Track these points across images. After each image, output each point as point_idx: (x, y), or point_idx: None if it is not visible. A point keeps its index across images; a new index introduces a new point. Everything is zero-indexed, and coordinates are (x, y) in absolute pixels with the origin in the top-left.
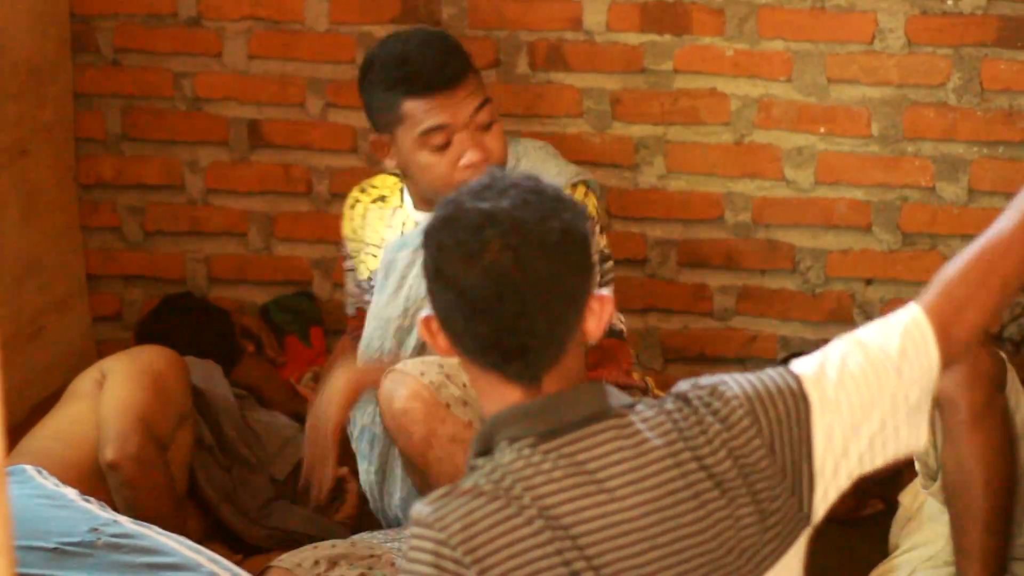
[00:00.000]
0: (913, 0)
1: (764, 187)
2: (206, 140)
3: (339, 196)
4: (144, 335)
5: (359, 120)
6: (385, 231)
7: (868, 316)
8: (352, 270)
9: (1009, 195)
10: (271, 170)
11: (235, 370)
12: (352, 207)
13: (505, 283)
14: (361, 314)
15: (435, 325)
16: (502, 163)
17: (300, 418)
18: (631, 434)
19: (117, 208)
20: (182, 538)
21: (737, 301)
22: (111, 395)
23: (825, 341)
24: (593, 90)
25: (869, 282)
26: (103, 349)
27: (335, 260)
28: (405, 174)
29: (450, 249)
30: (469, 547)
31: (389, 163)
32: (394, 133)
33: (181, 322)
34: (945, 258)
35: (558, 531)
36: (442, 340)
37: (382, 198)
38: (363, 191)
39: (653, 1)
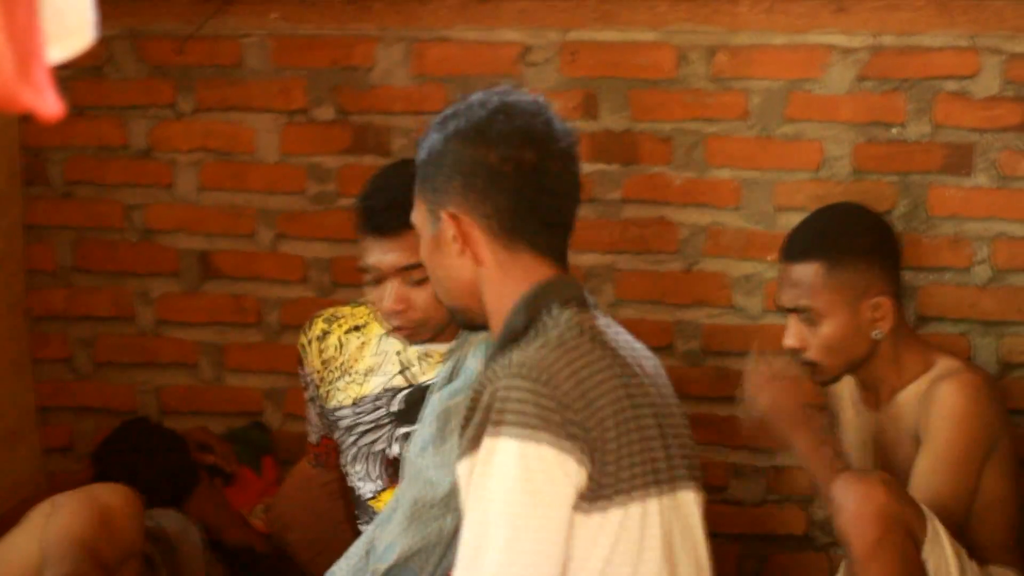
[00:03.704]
0: (859, 128)
1: (713, 315)
2: (157, 271)
3: (290, 327)
4: (101, 460)
5: (310, 250)
6: (371, 359)
7: None
8: (314, 399)
9: (957, 321)
10: (222, 301)
11: (189, 498)
12: (321, 339)
13: (570, 164)
14: (325, 442)
15: (467, 220)
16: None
17: (250, 549)
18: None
19: (68, 340)
20: None
21: None
22: (56, 522)
23: (772, 469)
24: None
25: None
26: (54, 481)
27: (286, 390)
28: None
29: (522, 132)
30: (556, 387)
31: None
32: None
33: (136, 447)
34: None
35: (622, 368)
36: (471, 231)
37: (356, 328)
38: (329, 322)
39: (602, 130)
